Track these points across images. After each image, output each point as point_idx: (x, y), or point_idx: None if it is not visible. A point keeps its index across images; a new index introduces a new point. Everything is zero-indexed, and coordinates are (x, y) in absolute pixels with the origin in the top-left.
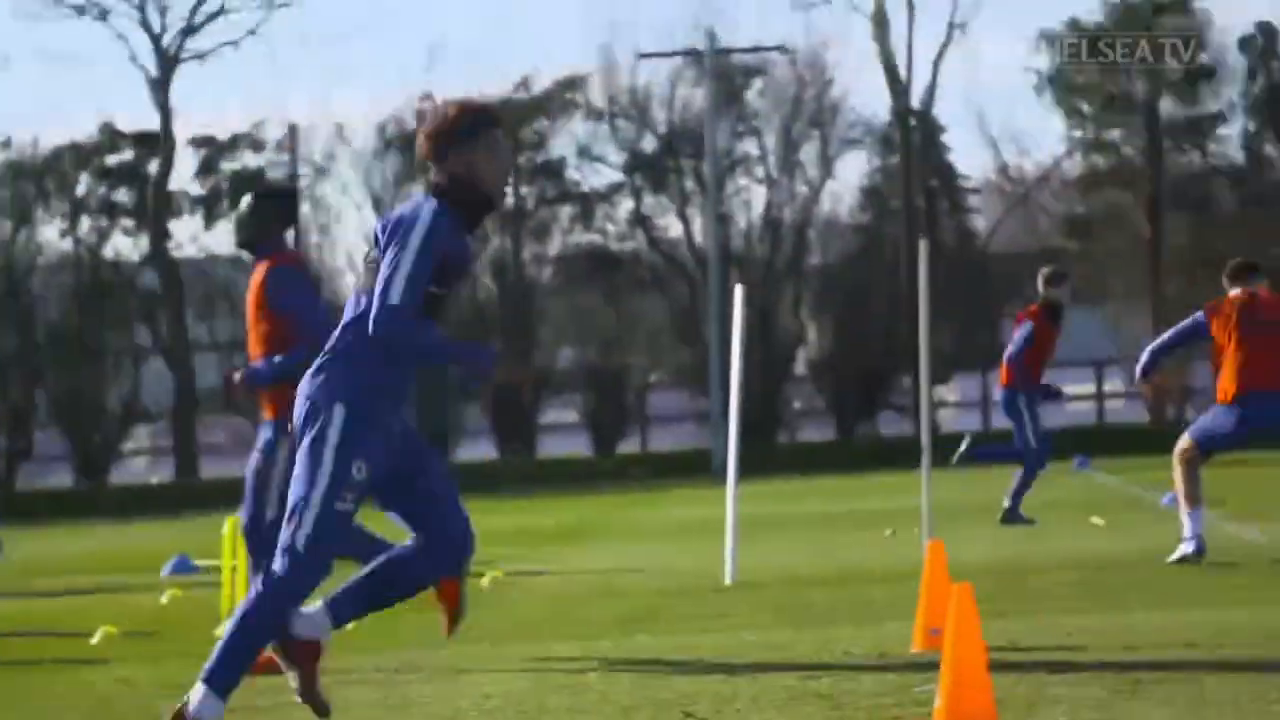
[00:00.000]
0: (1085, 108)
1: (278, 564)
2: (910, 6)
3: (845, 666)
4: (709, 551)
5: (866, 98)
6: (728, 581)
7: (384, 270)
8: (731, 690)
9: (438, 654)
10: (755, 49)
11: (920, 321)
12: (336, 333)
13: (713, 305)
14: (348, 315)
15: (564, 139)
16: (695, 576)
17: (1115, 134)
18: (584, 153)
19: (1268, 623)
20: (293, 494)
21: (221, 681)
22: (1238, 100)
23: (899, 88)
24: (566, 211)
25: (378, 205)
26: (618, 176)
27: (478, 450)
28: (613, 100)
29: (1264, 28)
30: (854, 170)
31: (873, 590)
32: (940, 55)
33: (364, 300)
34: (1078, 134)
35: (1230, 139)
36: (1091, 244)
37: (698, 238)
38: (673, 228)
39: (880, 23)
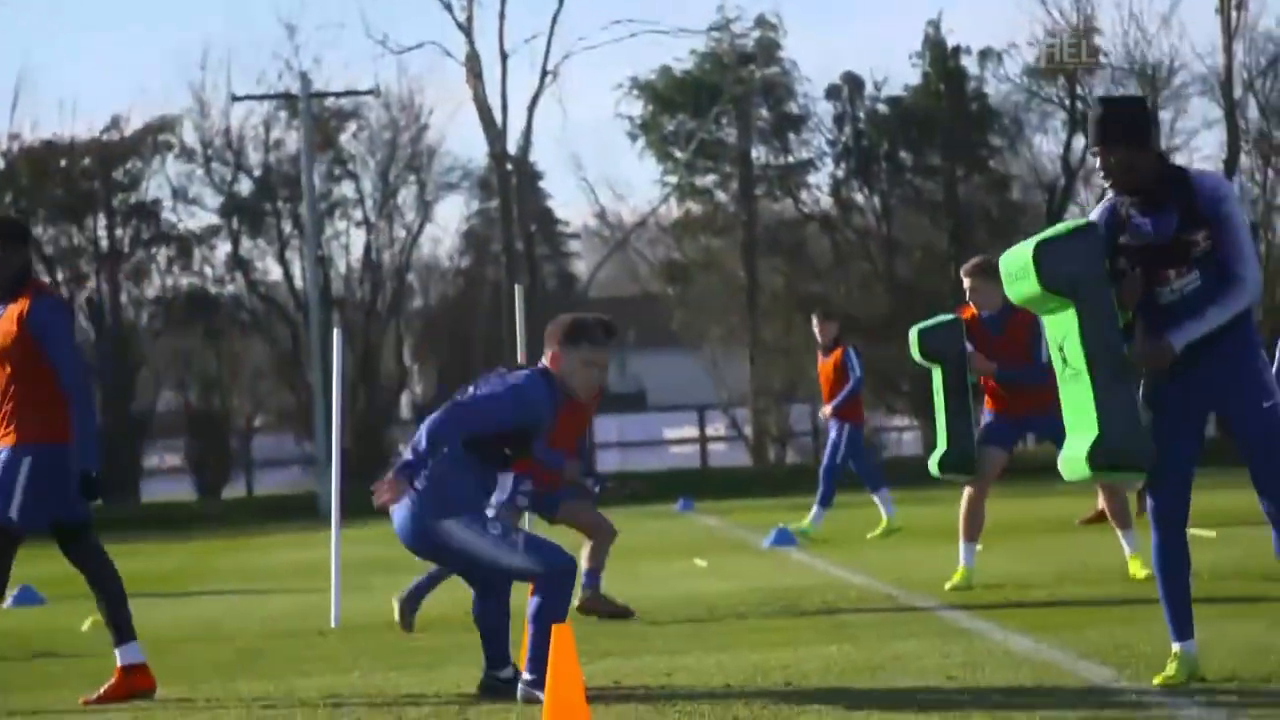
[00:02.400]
0: (679, 154)
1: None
2: (503, 53)
3: (450, 703)
4: (314, 595)
5: (464, 142)
6: (333, 625)
7: None
8: None
9: (34, 699)
10: (348, 93)
11: (519, 364)
12: None
13: (314, 348)
14: None
15: (158, 180)
16: (300, 620)
17: (709, 180)
18: (179, 194)
19: (868, 658)
20: None
21: None
22: (826, 148)
23: (495, 133)
24: (164, 254)
25: None
26: (214, 219)
27: None
28: (206, 143)
29: (849, 78)
30: (453, 214)
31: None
32: (534, 100)
33: None
34: (672, 180)
35: (820, 186)
36: (689, 289)
37: (298, 281)
38: (272, 271)
39: (474, 68)
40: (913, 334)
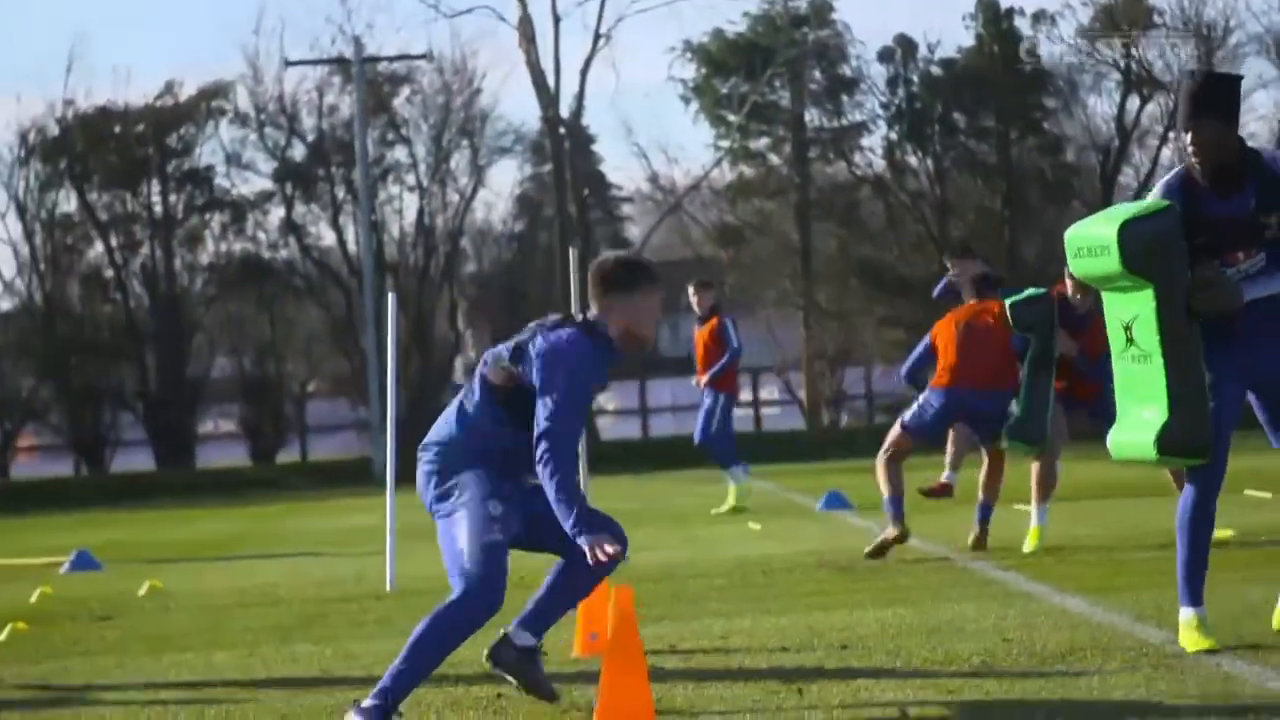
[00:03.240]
0: (731, 118)
1: None
2: (555, 16)
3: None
4: (370, 559)
5: (516, 106)
6: (389, 589)
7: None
8: None
9: (93, 663)
10: (401, 57)
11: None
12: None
13: (368, 313)
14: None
15: (212, 146)
16: (356, 584)
17: (762, 144)
18: (233, 160)
19: (924, 620)
20: None
21: None
22: (879, 111)
23: (547, 97)
24: (217, 220)
25: (22, 212)
26: (268, 184)
27: (135, 460)
28: (260, 108)
29: (902, 40)
30: (506, 178)
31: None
32: (587, 64)
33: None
34: (725, 144)
35: (873, 149)
36: (742, 252)
37: (351, 246)
38: (325, 236)
39: (526, 32)
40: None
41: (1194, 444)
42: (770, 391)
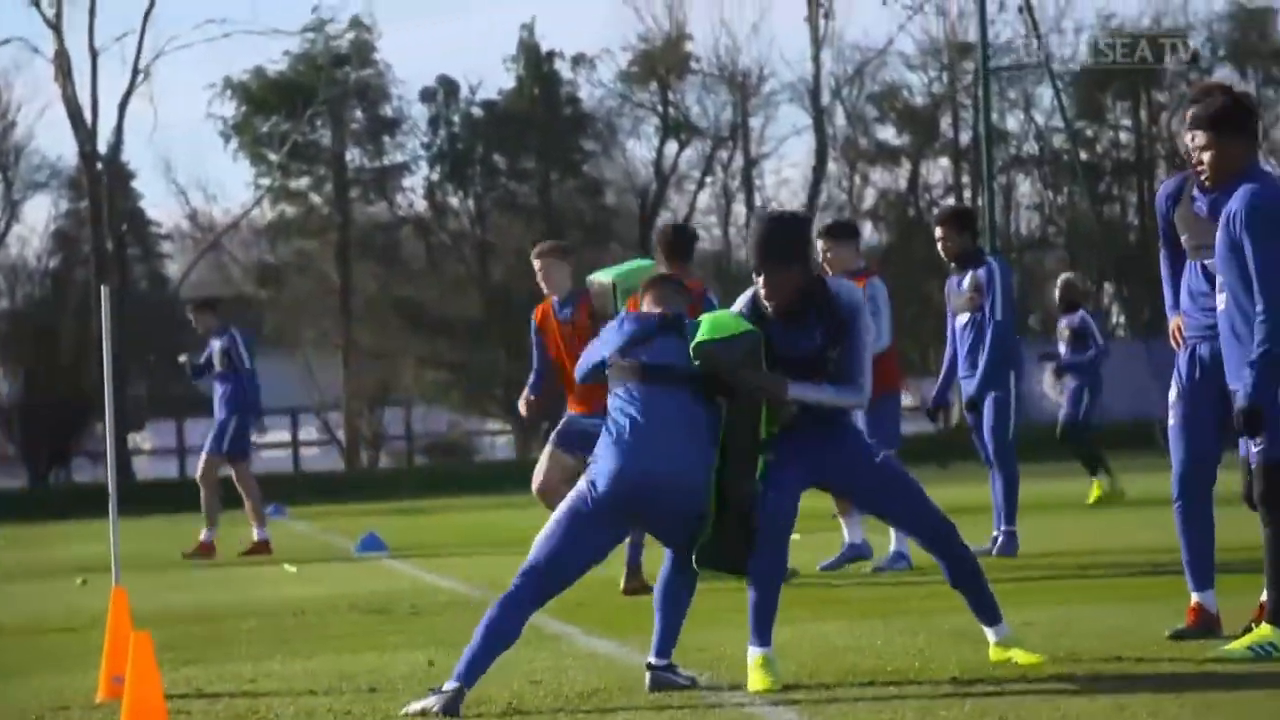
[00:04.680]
0: (272, 156)
1: None
2: (93, 50)
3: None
4: None
5: (53, 140)
6: None
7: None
8: None
9: None
10: None
11: (105, 367)
12: None
13: None
14: None
15: None
16: None
17: (303, 183)
18: None
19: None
20: None
21: None
22: (421, 151)
23: (85, 132)
24: None
25: None
26: None
27: None
28: None
29: (444, 81)
30: (41, 214)
31: (61, 640)
32: (125, 99)
33: None
34: (265, 182)
35: (414, 189)
36: (282, 292)
37: None
38: None
39: (62, 66)
40: None
41: (727, 562)
42: (309, 432)
